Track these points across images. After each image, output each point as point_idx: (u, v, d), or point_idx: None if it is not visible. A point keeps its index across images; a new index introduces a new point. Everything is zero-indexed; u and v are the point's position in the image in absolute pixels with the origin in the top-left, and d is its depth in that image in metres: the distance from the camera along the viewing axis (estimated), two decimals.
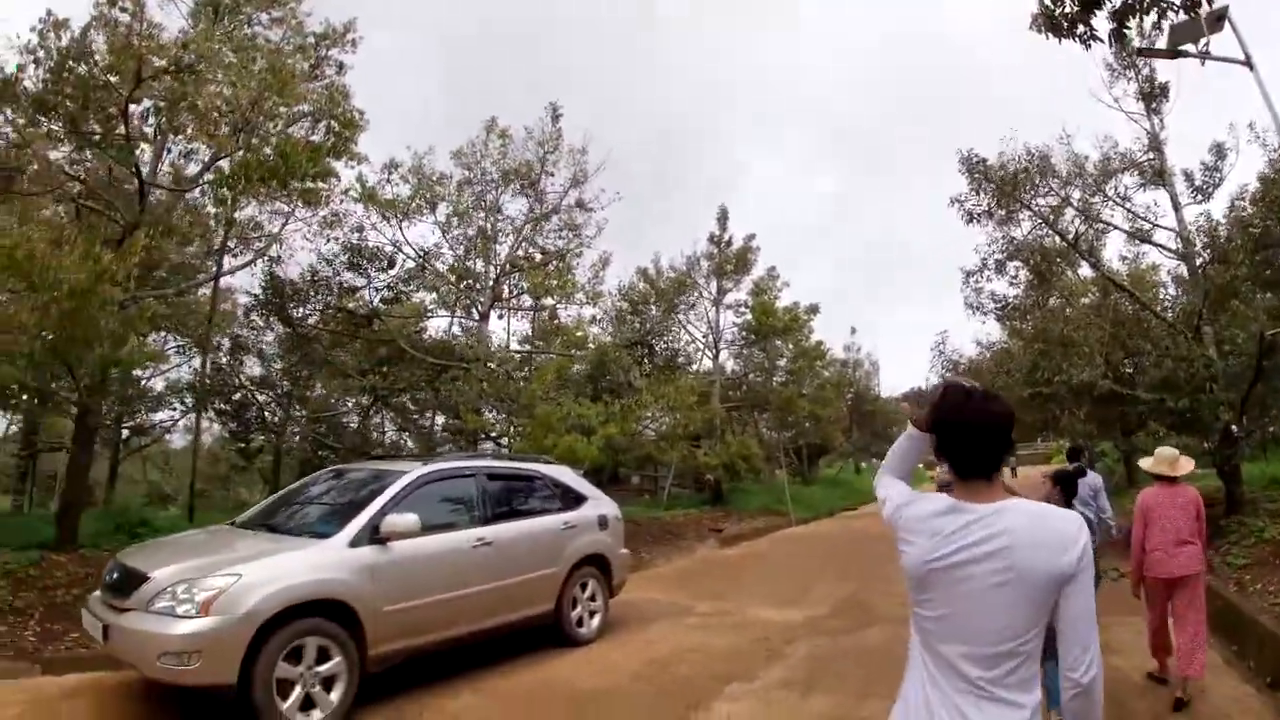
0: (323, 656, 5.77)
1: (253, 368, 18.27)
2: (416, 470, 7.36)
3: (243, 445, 18.31)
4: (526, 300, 17.48)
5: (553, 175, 17.20)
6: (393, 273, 16.78)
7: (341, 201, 15.32)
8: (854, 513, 26.22)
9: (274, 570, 5.70)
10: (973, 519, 1.96)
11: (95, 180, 11.84)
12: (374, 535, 6.42)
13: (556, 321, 16.43)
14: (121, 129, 10.14)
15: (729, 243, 24.15)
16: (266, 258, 15.81)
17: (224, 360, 17.69)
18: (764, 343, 23.75)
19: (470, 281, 16.51)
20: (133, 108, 10.10)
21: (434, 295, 17.18)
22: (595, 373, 15.28)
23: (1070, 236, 14.16)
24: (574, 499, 8.84)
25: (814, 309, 23.97)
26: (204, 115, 10.01)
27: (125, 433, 19.85)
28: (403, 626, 6.39)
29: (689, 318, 24.39)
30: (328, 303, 17.11)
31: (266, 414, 18.07)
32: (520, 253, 17.28)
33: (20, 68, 9.44)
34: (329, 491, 7.59)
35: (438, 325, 17.03)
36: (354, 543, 6.29)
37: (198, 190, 12.22)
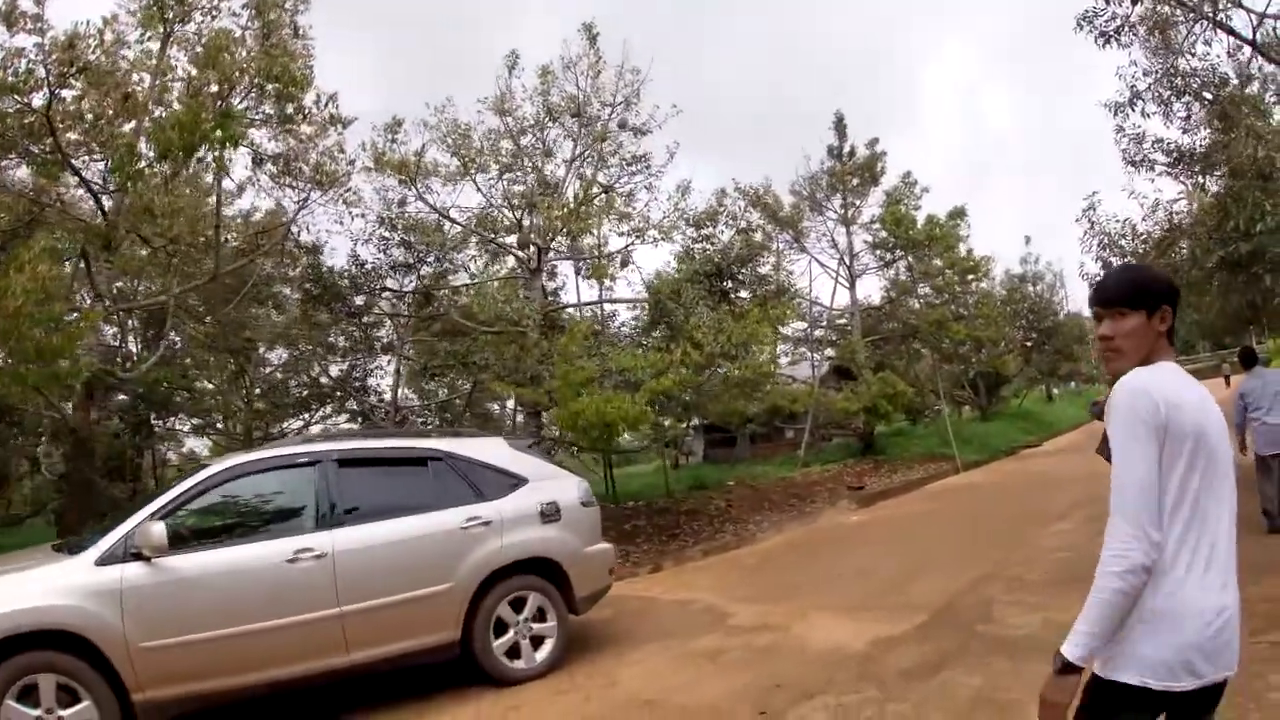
0: (74, 698, 4.68)
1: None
2: (219, 463, 5.81)
3: None
4: (587, 242, 14.96)
5: (610, 106, 14.54)
6: (438, 241, 14.74)
7: (352, 176, 13.68)
8: (1036, 449, 21.82)
9: None
10: None
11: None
12: (131, 551, 5.00)
13: (605, 262, 13.69)
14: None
15: (851, 153, 20.57)
16: (295, 245, 14.38)
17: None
18: (905, 258, 20.00)
19: (520, 236, 14.17)
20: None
21: (483, 259, 15.08)
22: (654, 315, 12.55)
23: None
24: (499, 484, 6.27)
25: (959, 213, 19.87)
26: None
27: None
28: (178, 667, 4.96)
29: (819, 245, 21.15)
30: (380, 286, 15.43)
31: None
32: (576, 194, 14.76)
33: None
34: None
35: (499, 292, 14.71)
36: (104, 560, 4.98)
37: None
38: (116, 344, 16.65)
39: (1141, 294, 2.05)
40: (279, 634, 5.22)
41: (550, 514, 6.31)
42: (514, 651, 6.08)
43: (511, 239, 13.77)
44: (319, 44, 12.91)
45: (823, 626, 6.64)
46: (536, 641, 6.18)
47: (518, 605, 6.13)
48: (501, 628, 6.04)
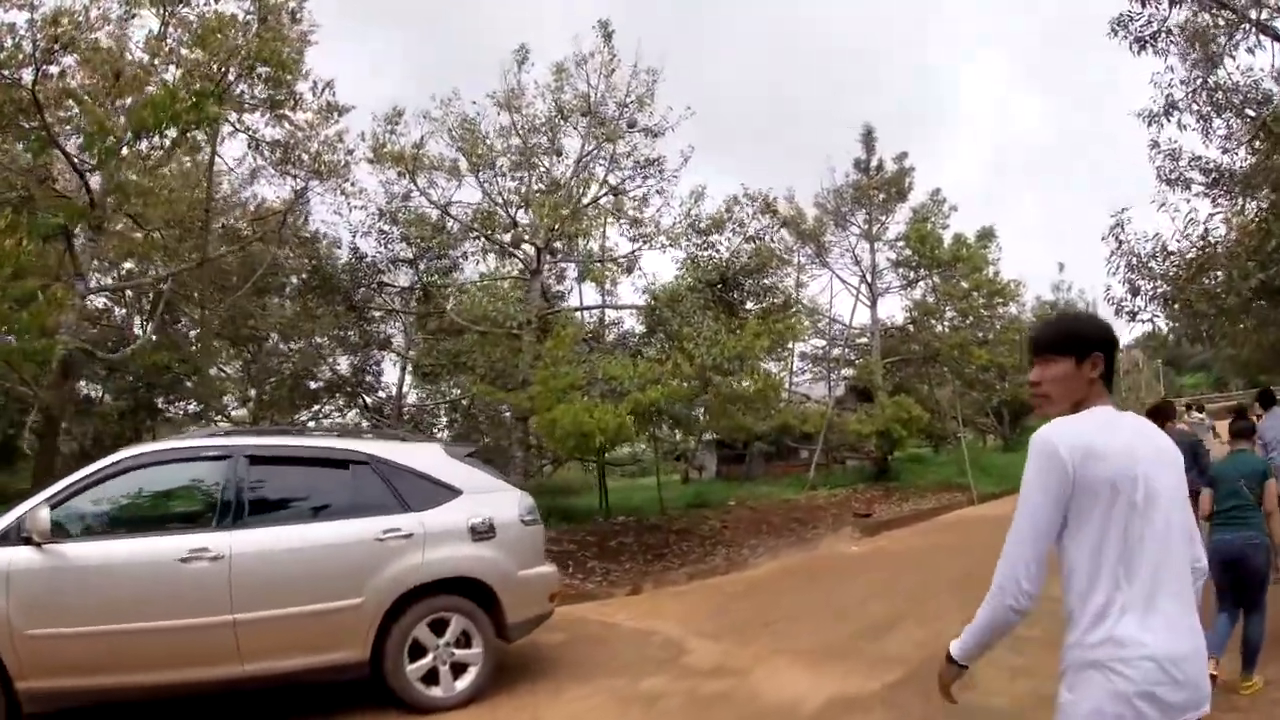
0: None
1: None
2: (124, 451, 5.53)
3: None
4: (594, 245, 14.41)
5: (627, 107, 13.98)
6: (440, 239, 14.27)
7: (352, 167, 13.36)
8: None
9: None
10: None
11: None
12: (23, 535, 4.77)
13: (601, 266, 13.09)
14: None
15: (879, 167, 19.85)
16: (294, 235, 14.05)
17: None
18: (929, 278, 19.22)
19: (515, 235, 13.63)
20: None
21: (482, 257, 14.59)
22: (650, 323, 11.98)
23: None
24: (428, 495, 5.71)
25: (988, 234, 19.05)
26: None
27: None
28: (62, 659, 4.71)
29: (841, 260, 20.45)
30: (378, 281, 15.05)
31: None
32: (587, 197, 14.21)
33: None
34: None
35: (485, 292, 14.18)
36: None
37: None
38: (120, 325, 16.54)
39: (1069, 340, 2.08)
40: (166, 636, 4.85)
41: (483, 530, 5.73)
42: (432, 677, 5.52)
43: (507, 237, 13.21)
44: (341, 34, 12.89)
45: (782, 677, 5.96)
46: (459, 669, 5.60)
47: (439, 628, 5.56)
48: (421, 651, 5.49)
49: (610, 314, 14.48)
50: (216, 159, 14.60)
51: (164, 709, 5.31)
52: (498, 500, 5.94)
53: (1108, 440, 1.94)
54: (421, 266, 14.49)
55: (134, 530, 5.12)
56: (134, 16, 10.67)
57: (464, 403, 18.58)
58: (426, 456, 5.97)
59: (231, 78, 11.26)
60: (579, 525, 12.39)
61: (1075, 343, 2.07)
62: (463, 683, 5.58)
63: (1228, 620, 4.96)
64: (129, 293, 15.89)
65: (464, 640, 5.62)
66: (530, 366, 11.02)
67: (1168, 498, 1.96)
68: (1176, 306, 9.63)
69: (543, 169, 14.02)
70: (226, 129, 13.46)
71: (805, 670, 6.06)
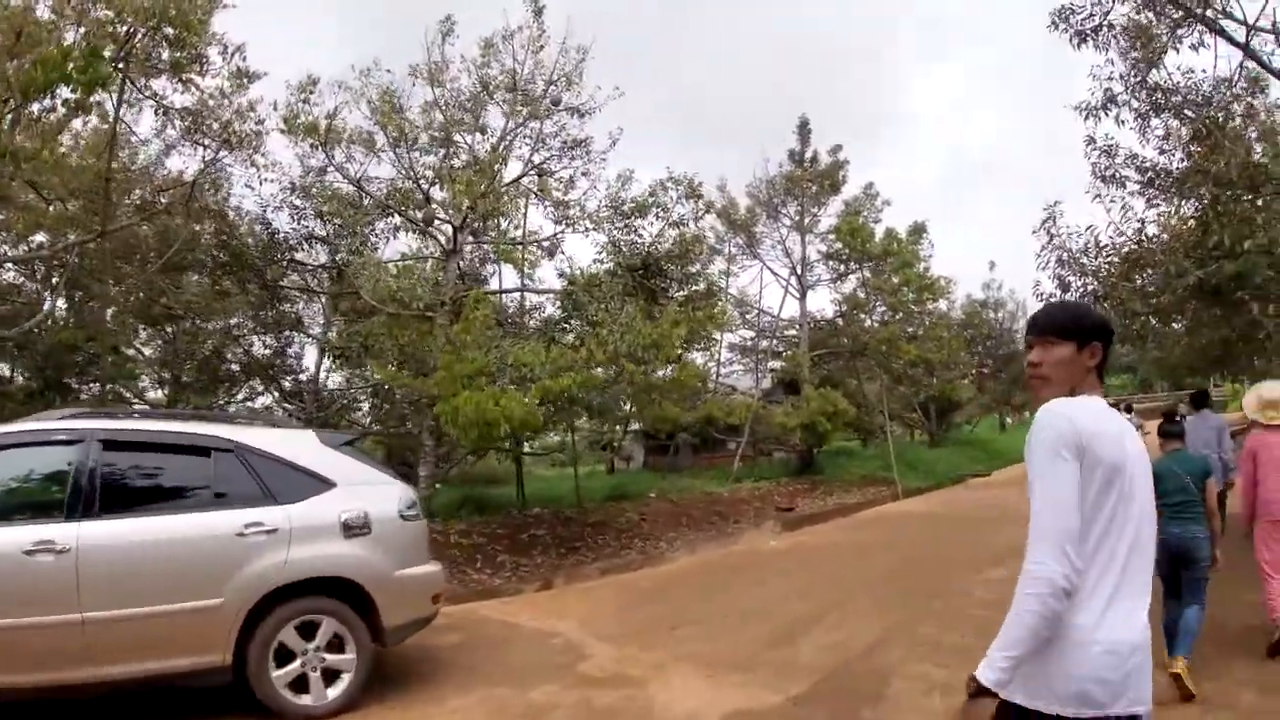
0: None
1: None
2: None
3: None
4: (517, 226, 13.88)
5: (561, 89, 13.46)
6: (355, 216, 13.57)
7: (265, 137, 12.64)
8: (984, 479, 20.97)
9: None
10: None
11: None
12: None
13: (514, 248, 12.55)
14: None
15: (813, 159, 19.65)
16: (198, 205, 13.25)
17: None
18: (859, 272, 19.13)
19: (426, 212, 13.01)
20: None
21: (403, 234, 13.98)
22: (567, 310, 11.54)
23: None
24: (298, 486, 5.23)
25: (920, 229, 18.98)
26: None
27: None
28: None
29: (772, 252, 20.23)
30: (289, 259, 14.33)
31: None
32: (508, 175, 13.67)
33: None
34: None
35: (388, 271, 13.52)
36: None
37: None
38: (31, 300, 15.50)
39: (1073, 326, 2.10)
40: (11, 635, 4.44)
41: (356, 526, 5.27)
42: (302, 684, 5.06)
43: (420, 215, 12.61)
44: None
45: (681, 687, 5.60)
46: (330, 675, 5.16)
47: (309, 631, 5.11)
48: (289, 656, 5.03)
49: (532, 299, 13.97)
50: (125, 127, 13.89)
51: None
52: (375, 494, 5.48)
53: (1105, 426, 1.97)
54: (337, 244, 13.85)
55: None
56: None
57: (385, 388, 17.92)
58: (297, 445, 5.48)
59: (139, 39, 10.59)
60: (493, 517, 11.92)
61: (1078, 329, 2.09)
62: (335, 690, 5.15)
63: (1177, 606, 5.15)
64: (41, 267, 14.90)
65: (336, 645, 5.19)
66: (442, 351, 10.50)
67: (1143, 491, 2.01)
68: (1108, 304, 9.37)
69: (465, 146, 13.48)
70: (134, 95, 12.82)
71: (705, 681, 5.72)
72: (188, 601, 4.76)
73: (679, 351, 10.70)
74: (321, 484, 5.31)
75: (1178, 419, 6.58)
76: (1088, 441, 1.90)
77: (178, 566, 4.81)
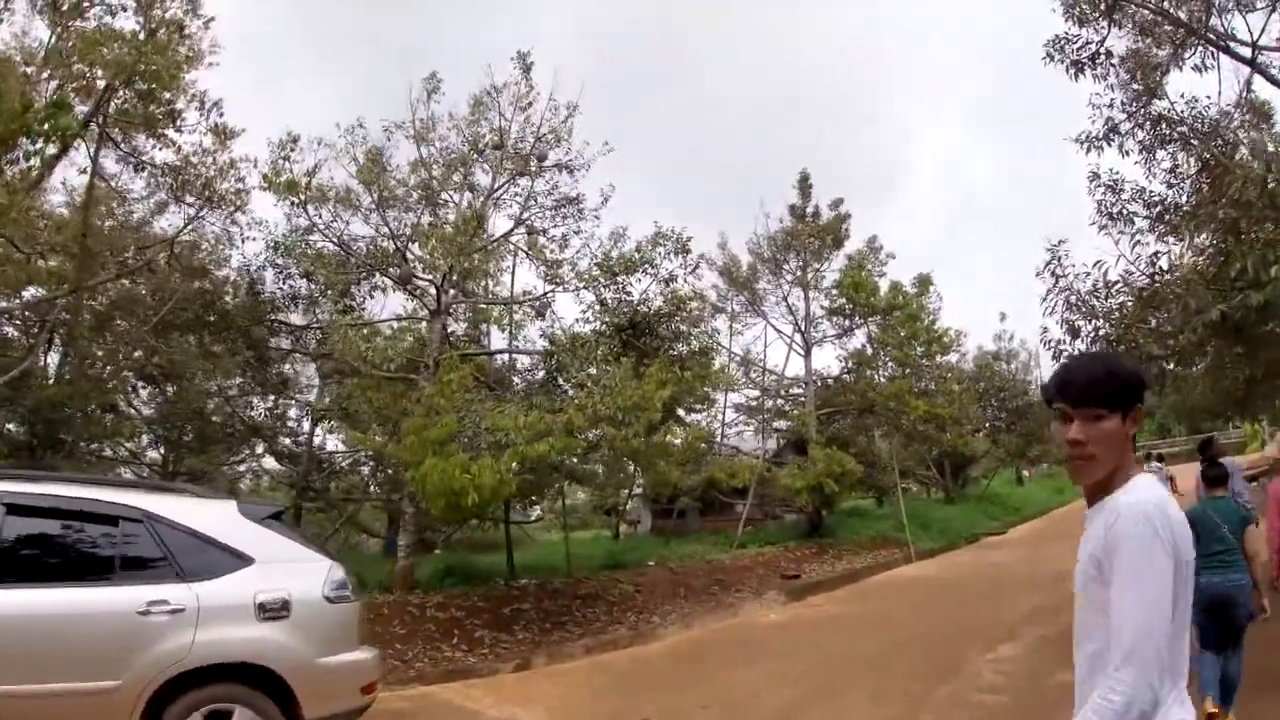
0: None
1: None
2: None
3: None
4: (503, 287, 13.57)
5: (549, 145, 13.23)
6: (342, 277, 13.27)
7: (249, 195, 12.52)
8: (999, 538, 20.10)
9: None
10: None
11: None
12: None
13: (494, 309, 12.19)
14: None
15: (815, 214, 19.33)
16: (178, 264, 13.03)
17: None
18: (865, 327, 18.63)
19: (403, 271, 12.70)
20: None
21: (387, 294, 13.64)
22: (549, 370, 11.11)
23: None
24: (212, 562, 4.72)
25: (926, 281, 18.50)
26: None
27: None
28: None
29: (775, 310, 19.80)
30: (274, 320, 14.04)
31: None
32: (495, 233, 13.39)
33: None
34: None
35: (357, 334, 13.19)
36: None
37: None
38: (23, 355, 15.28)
39: (1120, 391, 1.75)
40: None
41: (273, 608, 4.73)
42: None
43: (397, 274, 12.27)
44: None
45: None
46: None
47: None
48: None
49: (524, 361, 13.53)
50: (115, 182, 13.81)
51: None
52: (298, 572, 4.95)
53: (1177, 511, 1.74)
54: (323, 305, 13.54)
55: None
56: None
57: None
58: (214, 516, 4.98)
59: (116, 93, 10.63)
60: (476, 588, 11.31)
61: (1125, 393, 1.76)
62: None
63: (1213, 659, 5.03)
64: (31, 319, 14.75)
65: None
66: (412, 415, 10.05)
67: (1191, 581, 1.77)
68: (1121, 348, 8.65)
69: (453, 204, 13.21)
70: (111, 150, 12.76)
71: None
72: (82, 682, 4.32)
73: (658, 414, 10.11)
74: (237, 560, 4.80)
75: (1219, 461, 6.35)
76: (1177, 541, 1.67)
77: (72, 644, 4.39)
